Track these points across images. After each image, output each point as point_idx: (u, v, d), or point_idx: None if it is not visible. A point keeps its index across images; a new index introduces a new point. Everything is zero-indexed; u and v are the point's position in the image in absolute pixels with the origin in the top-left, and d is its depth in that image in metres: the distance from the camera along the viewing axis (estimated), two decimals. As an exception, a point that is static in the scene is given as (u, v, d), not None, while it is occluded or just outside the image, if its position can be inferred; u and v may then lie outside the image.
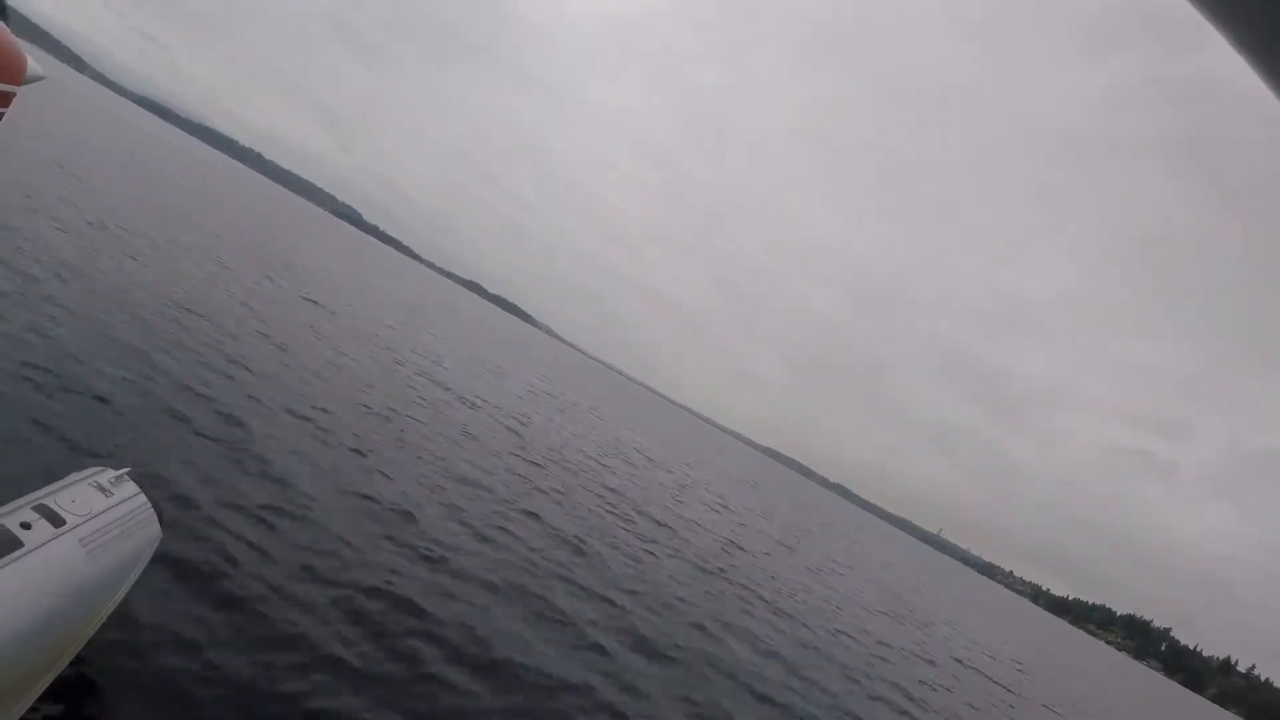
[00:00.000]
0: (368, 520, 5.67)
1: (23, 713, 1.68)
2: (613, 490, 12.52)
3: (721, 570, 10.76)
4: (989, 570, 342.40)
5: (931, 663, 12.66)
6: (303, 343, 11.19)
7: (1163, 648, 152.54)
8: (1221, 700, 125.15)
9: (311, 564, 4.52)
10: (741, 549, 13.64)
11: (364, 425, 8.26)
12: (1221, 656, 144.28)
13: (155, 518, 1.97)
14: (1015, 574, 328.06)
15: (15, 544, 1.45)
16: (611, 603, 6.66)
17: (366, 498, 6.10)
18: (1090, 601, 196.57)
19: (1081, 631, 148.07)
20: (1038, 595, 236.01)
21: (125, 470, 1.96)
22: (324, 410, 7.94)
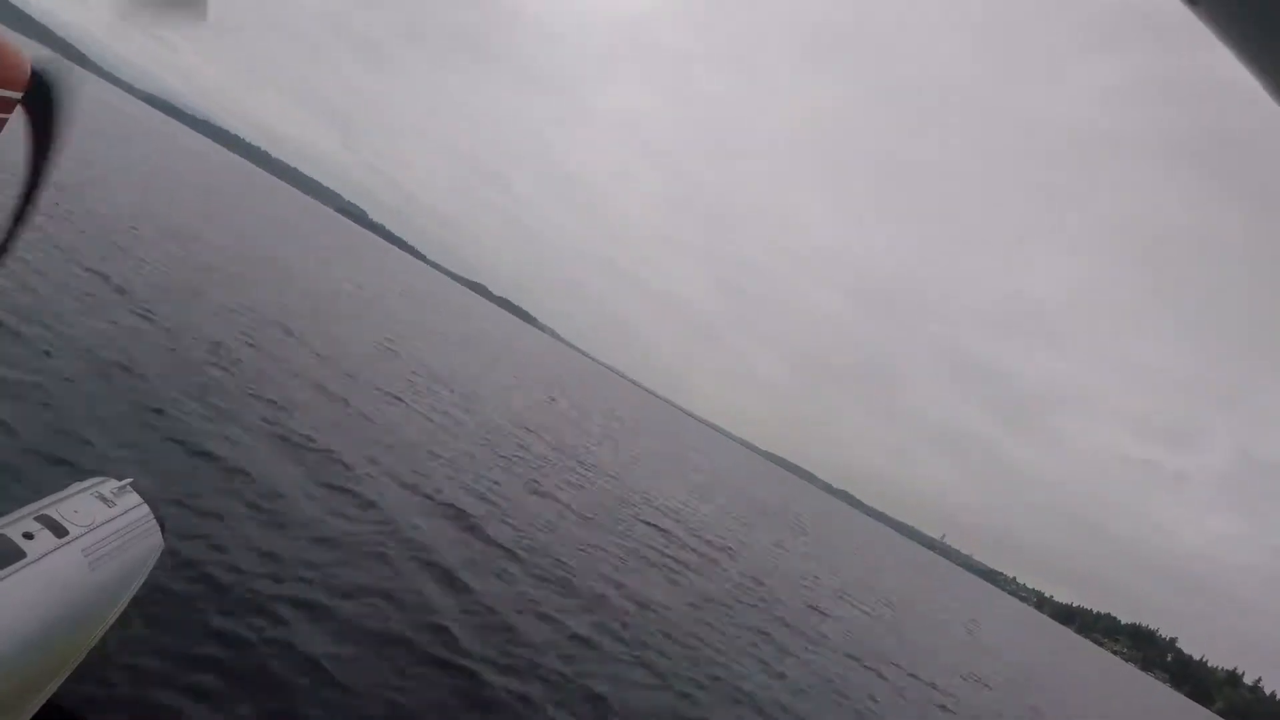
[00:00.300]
0: (371, 528, 5.73)
1: None
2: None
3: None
4: (991, 576, 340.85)
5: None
6: (304, 354, 10.85)
7: (1169, 658, 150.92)
8: (1229, 714, 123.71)
9: (316, 573, 4.54)
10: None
11: (363, 435, 8.20)
12: (1227, 667, 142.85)
13: (158, 528, 1.96)
14: (1018, 580, 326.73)
15: (18, 554, 1.44)
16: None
17: (368, 503, 6.15)
18: (1095, 610, 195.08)
19: (1088, 641, 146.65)
20: (1042, 603, 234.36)
21: (127, 480, 1.94)
22: (318, 426, 7.72)
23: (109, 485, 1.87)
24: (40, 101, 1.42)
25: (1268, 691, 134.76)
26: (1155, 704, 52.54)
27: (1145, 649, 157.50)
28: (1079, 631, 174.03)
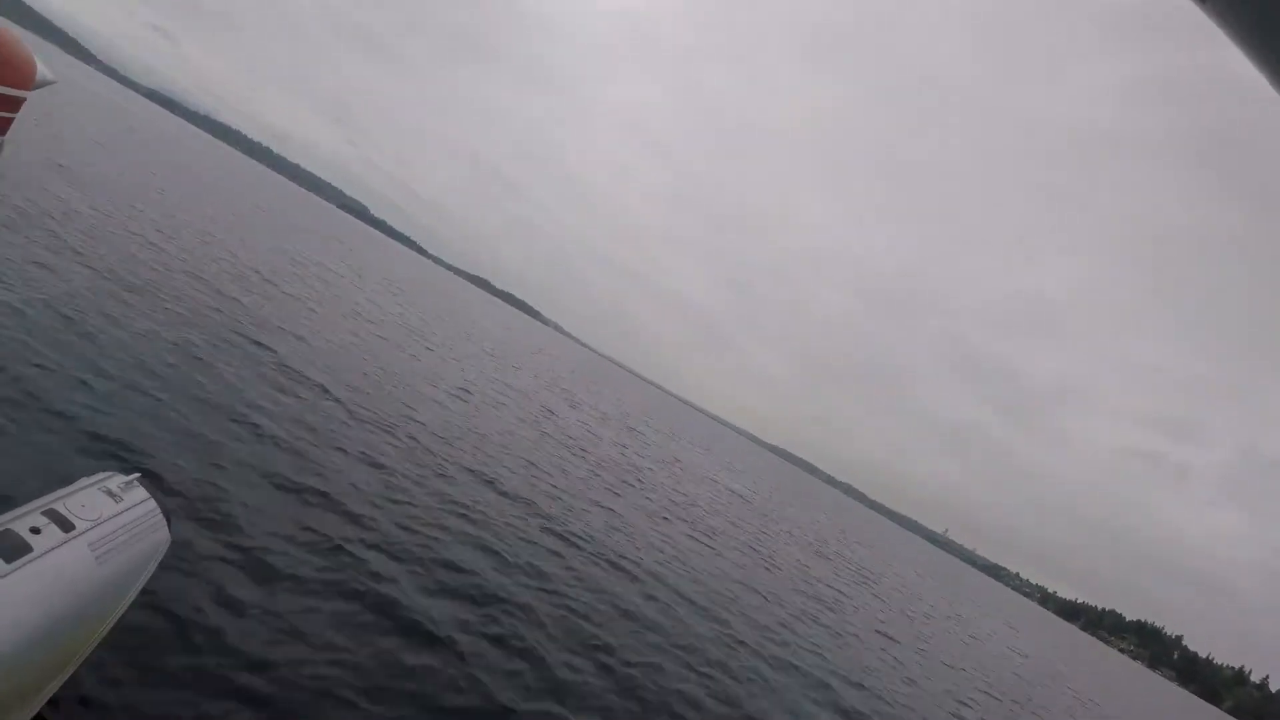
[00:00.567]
0: (380, 516, 5.77)
1: (31, 717, 1.69)
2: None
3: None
4: (994, 571, 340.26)
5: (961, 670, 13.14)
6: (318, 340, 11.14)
7: (1175, 656, 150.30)
8: (1238, 713, 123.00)
9: (325, 567, 4.53)
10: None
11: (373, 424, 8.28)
12: (1234, 665, 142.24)
13: (164, 523, 1.98)
14: (1021, 575, 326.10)
15: (24, 549, 1.46)
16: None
17: (375, 499, 6.16)
18: (1099, 606, 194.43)
19: (1095, 639, 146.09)
20: (1046, 598, 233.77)
21: (134, 475, 1.97)
22: (328, 421, 7.74)
23: (116, 480, 1.89)
24: None
25: (1275, 689, 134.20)
26: (1168, 703, 52.29)
27: (1152, 646, 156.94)
28: (1084, 628, 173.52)
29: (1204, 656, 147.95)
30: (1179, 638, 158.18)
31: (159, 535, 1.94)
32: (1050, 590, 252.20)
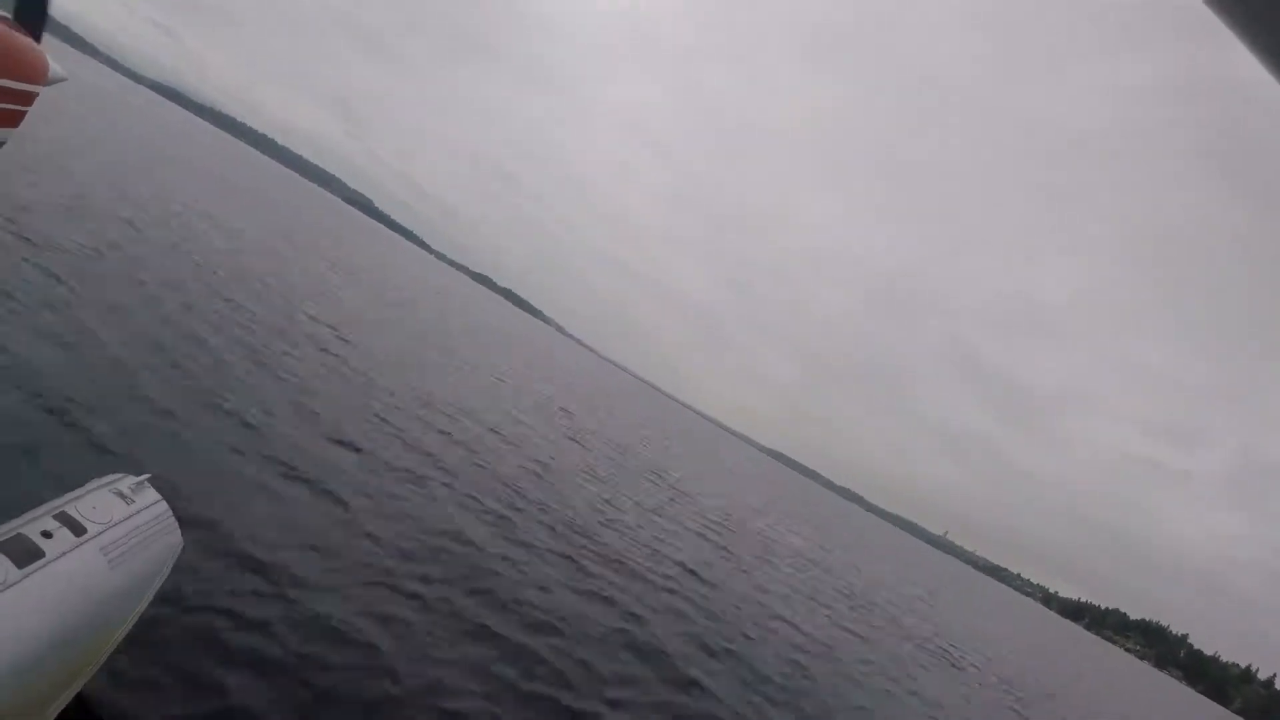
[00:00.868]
0: (400, 517, 5.73)
1: None
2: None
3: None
4: (996, 572, 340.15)
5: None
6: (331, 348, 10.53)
7: (1182, 655, 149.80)
8: (1247, 713, 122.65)
9: (342, 568, 4.48)
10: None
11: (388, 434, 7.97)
12: (1240, 664, 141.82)
13: (177, 526, 1.92)
14: (1022, 576, 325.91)
15: (36, 553, 1.42)
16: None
17: (393, 496, 6.11)
18: (1103, 606, 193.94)
19: (1100, 638, 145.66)
20: (1048, 599, 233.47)
21: (145, 477, 1.90)
22: (341, 418, 7.59)
23: (127, 482, 1.84)
24: None
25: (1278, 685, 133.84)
26: (1180, 704, 52.10)
27: (1158, 646, 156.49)
28: (1089, 628, 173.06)
29: (1211, 656, 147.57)
30: (1184, 636, 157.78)
31: (172, 538, 1.88)
32: (1052, 591, 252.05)
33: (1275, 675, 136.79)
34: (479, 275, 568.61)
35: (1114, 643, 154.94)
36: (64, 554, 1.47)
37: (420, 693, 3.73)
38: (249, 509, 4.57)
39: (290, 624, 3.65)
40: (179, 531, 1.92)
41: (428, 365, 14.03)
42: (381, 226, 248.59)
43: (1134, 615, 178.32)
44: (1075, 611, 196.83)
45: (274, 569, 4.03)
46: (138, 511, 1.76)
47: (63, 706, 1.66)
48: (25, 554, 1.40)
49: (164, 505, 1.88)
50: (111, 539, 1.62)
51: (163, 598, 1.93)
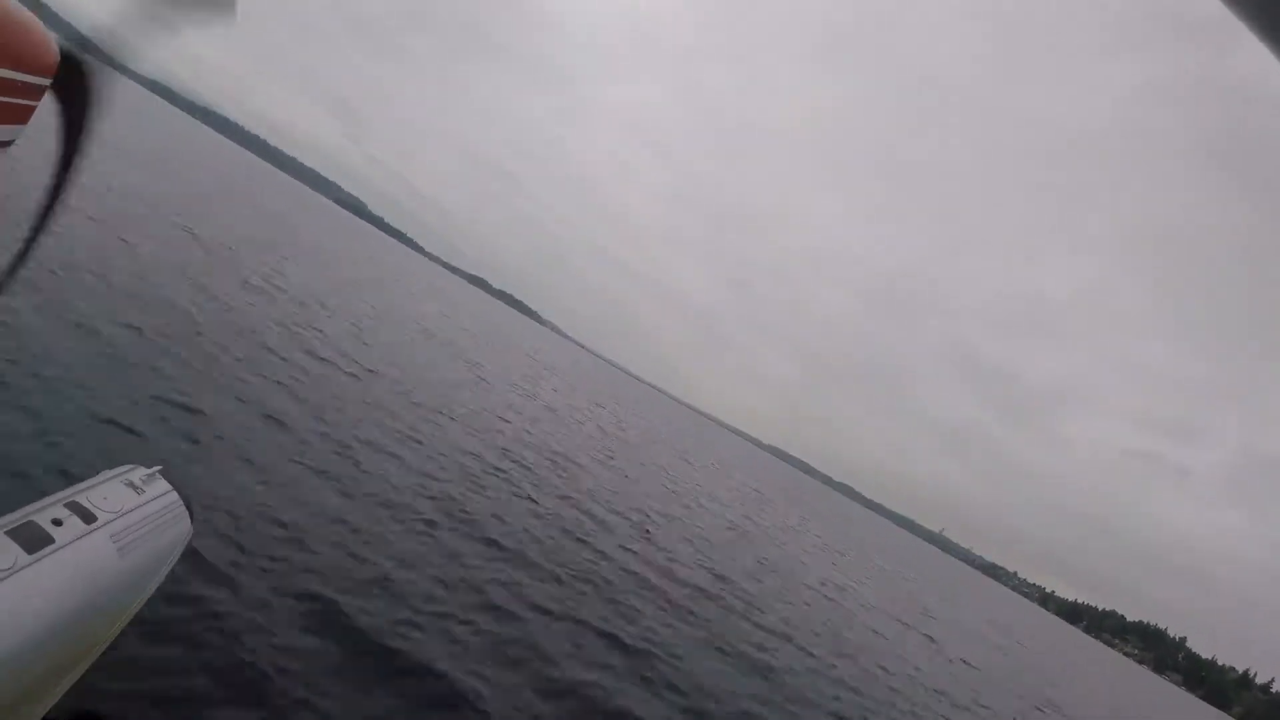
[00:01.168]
0: (394, 513, 5.77)
1: (50, 707, 1.68)
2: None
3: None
4: (992, 571, 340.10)
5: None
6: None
7: (1180, 659, 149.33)
8: (1248, 719, 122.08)
9: (348, 560, 4.59)
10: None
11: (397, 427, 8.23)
12: (1239, 667, 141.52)
13: (187, 515, 1.95)
14: (1019, 575, 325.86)
15: (46, 540, 1.46)
16: None
17: (390, 494, 6.14)
18: (1100, 607, 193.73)
19: (1098, 642, 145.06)
20: (1046, 599, 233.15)
21: (157, 468, 1.95)
22: (352, 414, 7.86)
23: (138, 472, 1.87)
24: (71, 88, 1.36)
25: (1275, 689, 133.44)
26: (1179, 710, 51.53)
27: (1156, 649, 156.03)
28: (1087, 630, 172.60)
29: (1209, 659, 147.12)
30: (1183, 639, 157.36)
31: (181, 527, 1.92)
32: (1049, 590, 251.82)
33: (1274, 680, 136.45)
34: (474, 278, 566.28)
35: (1112, 646, 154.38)
36: (74, 541, 1.50)
37: (425, 695, 3.74)
38: (261, 500, 4.71)
39: (298, 617, 3.71)
40: (189, 521, 1.96)
41: (412, 368, 13.63)
42: (375, 230, 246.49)
43: (1132, 615, 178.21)
44: (1073, 614, 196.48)
45: (284, 561, 4.13)
46: (148, 501, 1.79)
47: (68, 688, 1.70)
48: (35, 540, 1.43)
49: (175, 495, 1.90)
50: (121, 527, 1.65)
51: (170, 585, 1.99)
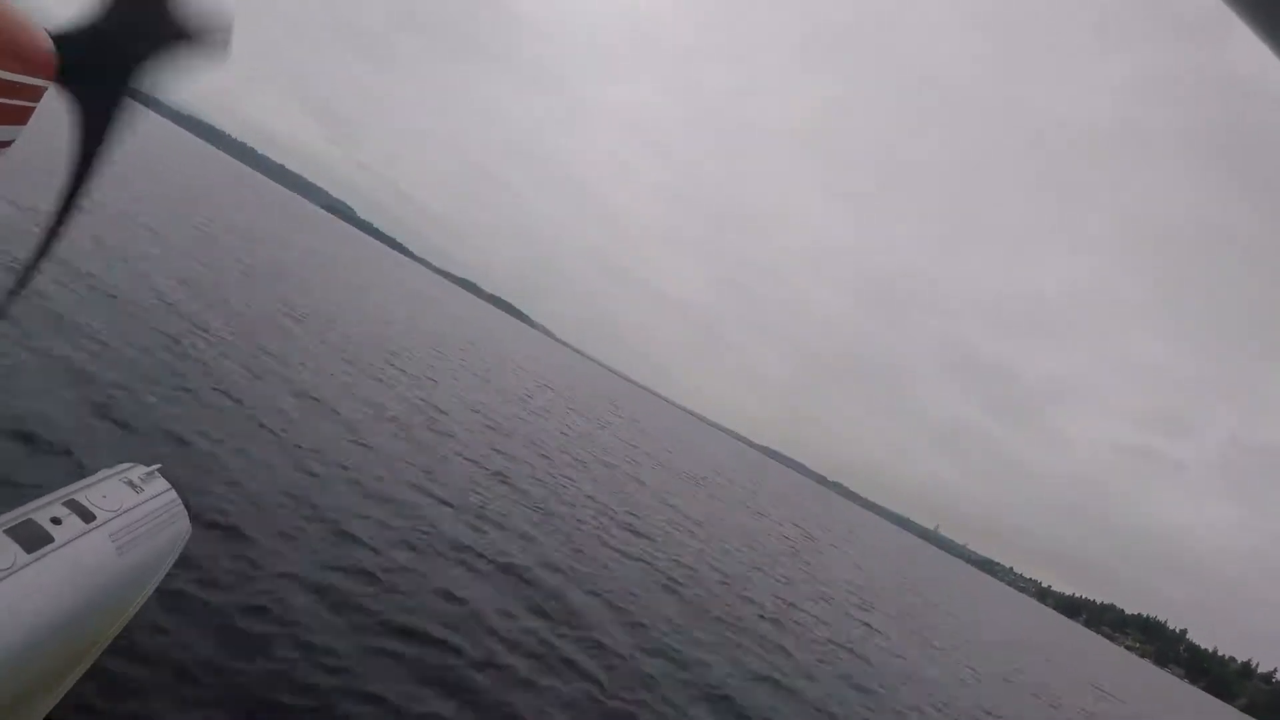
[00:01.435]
0: (396, 511, 5.75)
1: (51, 707, 1.68)
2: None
3: None
4: (988, 566, 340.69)
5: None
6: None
7: (1182, 651, 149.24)
8: (1253, 710, 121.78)
9: (348, 560, 4.58)
10: None
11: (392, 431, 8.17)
12: (1239, 658, 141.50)
13: (185, 514, 1.96)
14: (1015, 570, 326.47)
15: (45, 539, 1.45)
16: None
17: (392, 499, 6.03)
18: (1097, 600, 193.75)
19: (1099, 636, 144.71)
20: (1043, 593, 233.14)
21: (156, 466, 1.96)
22: (349, 416, 7.79)
23: (137, 471, 1.88)
24: (89, 85, 1.27)
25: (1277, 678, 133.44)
26: (1186, 704, 50.92)
27: (1157, 641, 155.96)
28: (1087, 625, 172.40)
29: (1210, 651, 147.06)
30: (1183, 632, 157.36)
31: (180, 526, 1.92)
32: (1045, 585, 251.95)
33: (1276, 670, 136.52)
34: (464, 281, 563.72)
35: (1112, 640, 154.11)
36: (73, 540, 1.50)
37: (428, 694, 3.71)
38: (260, 500, 4.69)
39: (296, 617, 3.69)
40: (188, 519, 1.95)
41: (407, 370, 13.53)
42: (363, 235, 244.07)
43: (1130, 609, 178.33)
44: (1072, 607, 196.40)
45: (283, 560, 4.12)
46: (147, 500, 1.79)
47: (66, 689, 1.69)
48: (34, 539, 1.43)
49: (174, 494, 1.90)
50: (120, 526, 1.65)
51: (169, 584, 1.99)
